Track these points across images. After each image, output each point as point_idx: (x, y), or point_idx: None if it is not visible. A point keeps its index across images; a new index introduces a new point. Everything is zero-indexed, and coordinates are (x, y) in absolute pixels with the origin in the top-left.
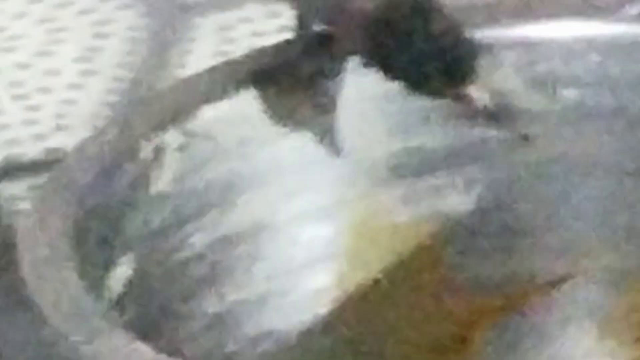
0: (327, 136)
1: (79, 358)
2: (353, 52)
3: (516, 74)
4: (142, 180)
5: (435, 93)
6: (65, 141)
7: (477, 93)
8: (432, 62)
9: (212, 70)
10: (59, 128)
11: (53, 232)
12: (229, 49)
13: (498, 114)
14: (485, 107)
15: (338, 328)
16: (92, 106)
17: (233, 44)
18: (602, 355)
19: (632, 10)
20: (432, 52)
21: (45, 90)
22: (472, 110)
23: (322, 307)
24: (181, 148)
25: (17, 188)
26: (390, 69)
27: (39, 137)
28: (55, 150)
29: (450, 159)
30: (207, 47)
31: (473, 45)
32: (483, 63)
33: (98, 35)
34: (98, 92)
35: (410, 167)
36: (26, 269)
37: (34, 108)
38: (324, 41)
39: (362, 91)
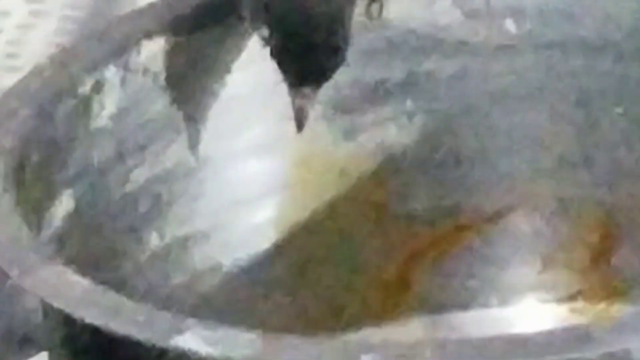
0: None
1: (16, 291)
2: None
3: (454, 6)
4: (82, 116)
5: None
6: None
7: None
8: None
9: (152, 6)
10: (8, 69)
11: None
12: None
13: None
14: None
15: (280, 261)
16: (42, 46)
17: None
18: (547, 285)
19: None
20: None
21: None
22: None
23: (265, 241)
24: (121, 83)
25: None
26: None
27: None
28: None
29: (391, 92)
30: None
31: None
32: None
33: None
34: (48, 33)
35: (352, 101)
36: None
37: None
38: None
39: None
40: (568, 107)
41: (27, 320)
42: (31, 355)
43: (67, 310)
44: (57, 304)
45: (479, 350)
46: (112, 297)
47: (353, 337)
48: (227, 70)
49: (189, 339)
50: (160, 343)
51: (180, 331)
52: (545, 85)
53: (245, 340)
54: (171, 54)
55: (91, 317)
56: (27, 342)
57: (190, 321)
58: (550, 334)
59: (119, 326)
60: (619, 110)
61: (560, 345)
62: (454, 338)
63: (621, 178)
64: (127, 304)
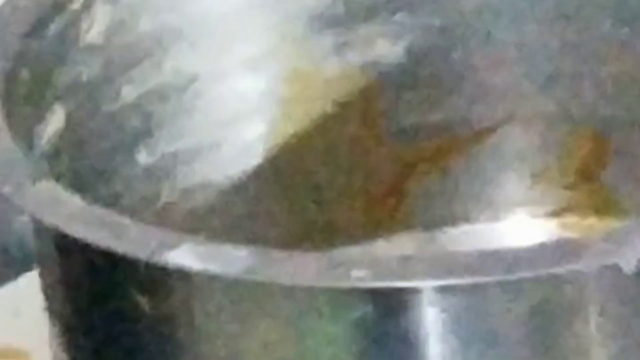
0: None
1: (7, 208)
2: None
3: None
4: (72, 33)
5: None
6: None
7: None
8: None
9: None
10: None
11: None
12: None
13: None
14: None
15: (270, 178)
16: None
17: None
18: (537, 200)
19: None
20: None
21: None
22: None
23: (256, 158)
24: (111, 0)
25: None
26: None
27: None
28: None
29: (380, 7)
30: None
31: None
32: None
33: None
34: None
35: (341, 17)
36: None
37: None
38: None
39: None
40: (558, 22)
41: (18, 238)
42: (23, 273)
43: (59, 226)
44: (48, 220)
45: (472, 264)
46: (103, 214)
47: (344, 252)
48: None
49: (180, 255)
50: (152, 259)
51: (172, 247)
52: (536, 0)
53: (237, 255)
54: None
55: (83, 233)
56: (19, 260)
57: (182, 237)
58: (541, 247)
59: (110, 242)
60: (610, 25)
61: (552, 258)
62: (446, 252)
63: (611, 93)
64: (118, 220)
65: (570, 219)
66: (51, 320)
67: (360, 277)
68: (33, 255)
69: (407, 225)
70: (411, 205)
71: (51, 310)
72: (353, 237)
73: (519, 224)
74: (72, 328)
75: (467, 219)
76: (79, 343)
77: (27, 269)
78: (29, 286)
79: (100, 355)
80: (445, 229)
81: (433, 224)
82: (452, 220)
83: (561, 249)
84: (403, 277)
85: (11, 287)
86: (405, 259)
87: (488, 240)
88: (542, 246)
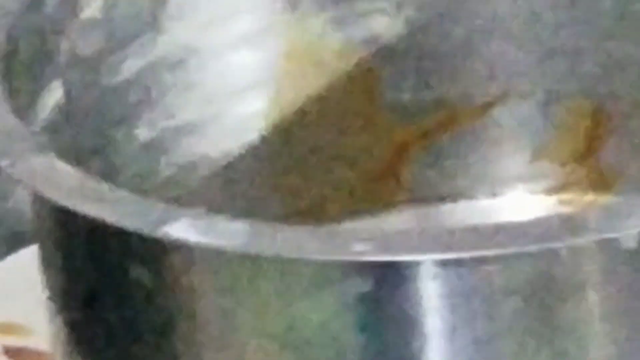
0: None
1: (6, 182)
2: None
3: None
4: (71, 6)
5: None
6: None
7: None
8: None
9: None
10: None
11: None
12: None
13: None
14: None
15: (269, 153)
16: None
17: None
18: (535, 176)
19: None
20: None
21: None
22: None
23: (254, 133)
24: None
25: None
26: None
27: None
28: None
29: None
30: None
31: None
32: None
33: None
34: None
35: None
36: None
37: None
38: None
39: None
40: None
41: (17, 212)
42: (22, 247)
43: (58, 200)
44: (48, 193)
45: (472, 238)
46: (102, 187)
47: (344, 226)
48: None
49: (179, 228)
50: (150, 232)
51: (170, 220)
52: None
53: (237, 229)
54: None
55: (82, 206)
56: (18, 234)
57: (181, 211)
58: (541, 222)
59: (109, 216)
60: (611, 0)
61: (551, 233)
62: (446, 227)
63: (611, 69)
64: (117, 193)
65: (569, 195)
66: (50, 295)
67: (362, 251)
68: (31, 229)
69: (406, 200)
70: (410, 181)
71: (49, 284)
72: (351, 212)
73: (517, 200)
74: (70, 302)
75: (466, 195)
76: (77, 317)
77: (26, 243)
78: (28, 261)
79: (99, 329)
80: (445, 204)
81: (432, 199)
82: (451, 195)
83: (560, 224)
84: (404, 251)
85: (10, 262)
86: (406, 233)
87: (487, 215)
88: (542, 220)
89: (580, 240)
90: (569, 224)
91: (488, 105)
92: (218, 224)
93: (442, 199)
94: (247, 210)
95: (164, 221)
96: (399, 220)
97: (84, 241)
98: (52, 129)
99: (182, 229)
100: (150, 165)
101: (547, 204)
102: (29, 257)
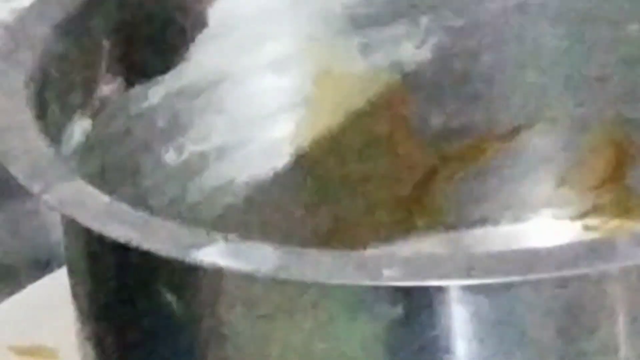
0: None
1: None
2: None
3: None
4: None
5: None
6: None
7: None
8: None
9: None
10: None
11: (13, 84)
12: None
13: None
14: None
15: (297, 178)
16: None
17: None
18: (561, 202)
19: None
20: None
21: None
22: None
23: (282, 158)
24: None
25: None
26: None
27: None
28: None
29: (408, 8)
30: None
31: None
32: None
33: None
34: None
35: (368, 17)
36: None
37: None
38: None
39: None
40: (585, 23)
41: (47, 237)
42: (51, 271)
43: (89, 224)
44: (78, 218)
45: (504, 263)
46: (132, 212)
47: (372, 251)
48: None
49: (211, 253)
50: (182, 257)
51: (202, 245)
52: (563, 1)
53: (269, 253)
54: None
55: (112, 231)
56: (48, 259)
57: (213, 235)
58: (568, 247)
59: (140, 240)
60: (636, 27)
61: (579, 259)
62: (474, 252)
63: (637, 96)
64: (148, 218)
65: (595, 220)
66: (79, 319)
67: (392, 276)
68: (61, 254)
69: (433, 225)
70: (438, 206)
71: (79, 308)
72: (378, 237)
73: (543, 226)
74: (100, 326)
75: (492, 220)
76: (107, 341)
77: (55, 268)
78: (57, 285)
79: (128, 353)
80: (471, 229)
81: (457, 225)
82: (477, 222)
83: (588, 249)
84: (433, 276)
85: (39, 286)
86: (435, 258)
87: (513, 241)
88: (569, 246)
89: (608, 266)
90: (596, 250)
91: (515, 131)
92: (251, 249)
93: (468, 224)
94: (275, 236)
95: (194, 245)
96: (425, 245)
97: (114, 265)
98: (81, 155)
99: (215, 254)
100: (179, 190)
101: (572, 230)
102: (58, 280)
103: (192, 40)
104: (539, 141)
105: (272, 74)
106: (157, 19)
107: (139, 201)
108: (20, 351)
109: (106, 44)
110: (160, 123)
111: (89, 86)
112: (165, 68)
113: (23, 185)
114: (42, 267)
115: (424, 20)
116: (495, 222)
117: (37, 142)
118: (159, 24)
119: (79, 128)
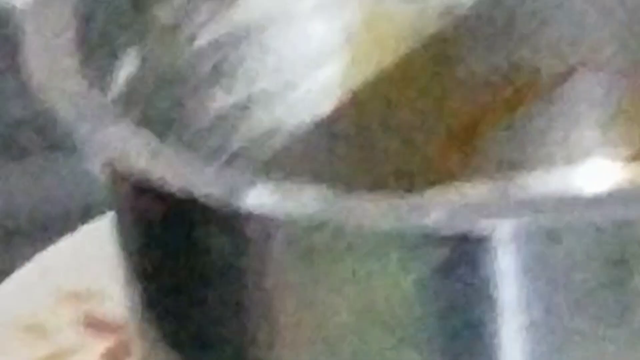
0: None
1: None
2: None
3: None
4: None
5: None
6: None
7: None
8: None
9: None
10: None
11: (56, 26)
12: None
13: None
14: None
15: (345, 122)
16: None
17: None
18: (608, 146)
19: None
20: None
21: None
22: None
23: (329, 102)
24: None
25: None
26: None
27: None
28: None
29: None
30: None
31: None
32: None
33: None
34: None
35: None
36: (31, 63)
37: None
38: None
39: None
40: None
41: (93, 180)
42: (97, 216)
43: (136, 167)
44: (125, 162)
45: (553, 207)
46: (179, 157)
47: (422, 195)
48: None
49: (258, 195)
50: (230, 200)
51: (249, 187)
52: None
53: (314, 197)
54: None
55: (158, 175)
56: (93, 203)
57: (259, 178)
58: (619, 192)
59: (187, 183)
60: None
61: (630, 203)
62: (523, 196)
63: None
64: (193, 162)
65: None
66: (125, 264)
67: (438, 221)
68: (107, 198)
69: (481, 169)
70: (486, 150)
71: (125, 253)
72: (428, 182)
73: (595, 168)
74: (146, 271)
75: (542, 163)
76: (153, 287)
77: (101, 213)
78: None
79: (173, 299)
80: (520, 173)
81: (507, 168)
82: (527, 164)
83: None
84: (481, 220)
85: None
86: (482, 203)
87: (564, 183)
88: (620, 191)
89: None
90: None
91: (567, 73)
92: (295, 191)
93: (517, 167)
94: (324, 181)
95: (243, 187)
96: (475, 188)
97: (158, 210)
98: (127, 98)
99: (263, 195)
100: (224, 135)
101: (625, 172)
102: (100, 226)
103: None
104: (589, 83)
105: (319, 18)
106: None
107: (185, 146)
108: (67, 295)
109: None
110: (207, 67)
111: (135, 28)
112: (211, 13)
113: (68, 134)
114: (87, 210)
115: None
116: (544, 166)
117: (81, 85)
118: None
119: (124, 72)
